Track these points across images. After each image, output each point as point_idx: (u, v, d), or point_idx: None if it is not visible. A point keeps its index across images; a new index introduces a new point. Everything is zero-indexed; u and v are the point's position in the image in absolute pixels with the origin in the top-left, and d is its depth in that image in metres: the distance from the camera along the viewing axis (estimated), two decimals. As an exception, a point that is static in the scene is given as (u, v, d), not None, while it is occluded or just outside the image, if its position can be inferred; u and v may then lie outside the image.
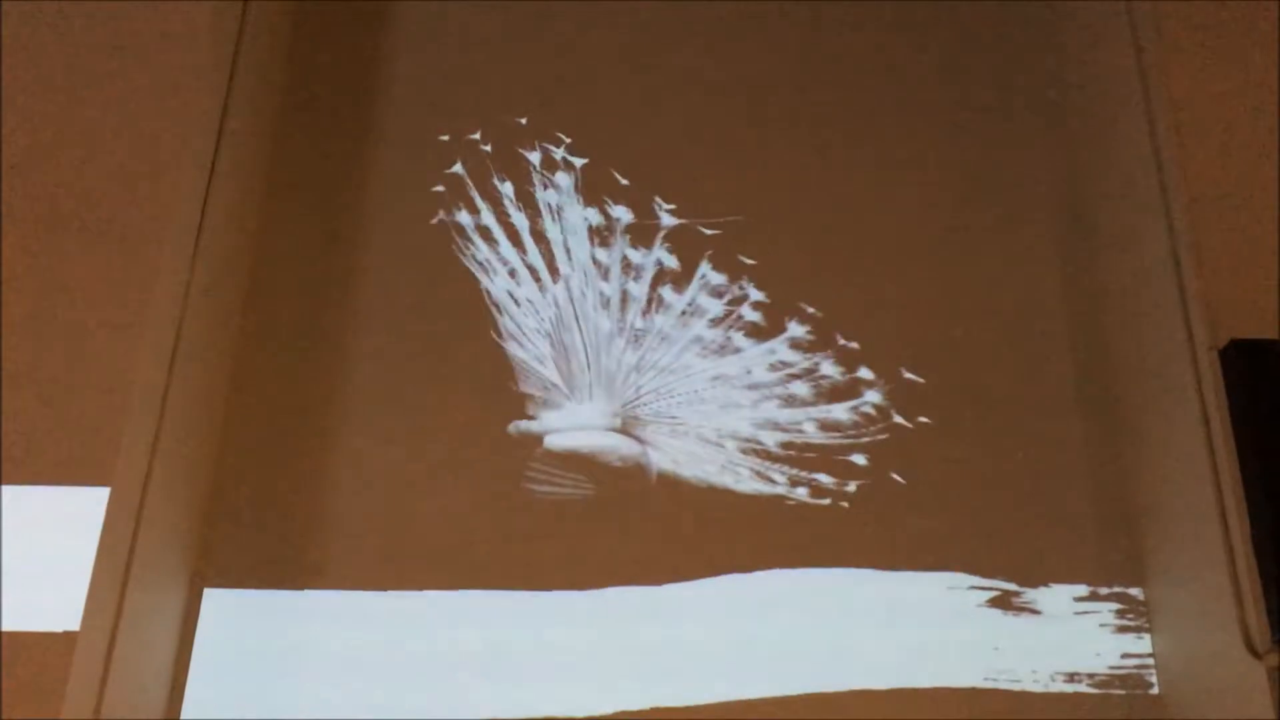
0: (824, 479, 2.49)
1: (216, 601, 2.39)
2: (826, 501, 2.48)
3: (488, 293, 2.67)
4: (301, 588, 2.41)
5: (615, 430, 2.56)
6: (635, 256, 2.69)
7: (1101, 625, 2.37)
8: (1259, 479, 2.00)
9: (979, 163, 2.80)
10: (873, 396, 2.56)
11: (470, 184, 2.76)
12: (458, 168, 2.78)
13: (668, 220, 2.72)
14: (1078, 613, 2.38)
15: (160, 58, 2.35)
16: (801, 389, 2.57)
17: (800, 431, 2.53)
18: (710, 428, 2.55)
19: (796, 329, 2.62)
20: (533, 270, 2.70)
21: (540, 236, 2.72)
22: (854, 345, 2.60)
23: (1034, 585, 2.41)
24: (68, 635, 1.90)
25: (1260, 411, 2.04)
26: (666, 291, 2.67)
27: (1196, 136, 2.28)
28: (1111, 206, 2.58)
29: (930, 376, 2.58)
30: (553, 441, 2.54)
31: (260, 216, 2.72)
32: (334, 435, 2.54)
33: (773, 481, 2.50)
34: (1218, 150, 2.27)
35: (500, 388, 2.59)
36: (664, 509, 2.49)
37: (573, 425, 2.56)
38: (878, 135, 2.84)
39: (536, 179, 2.77)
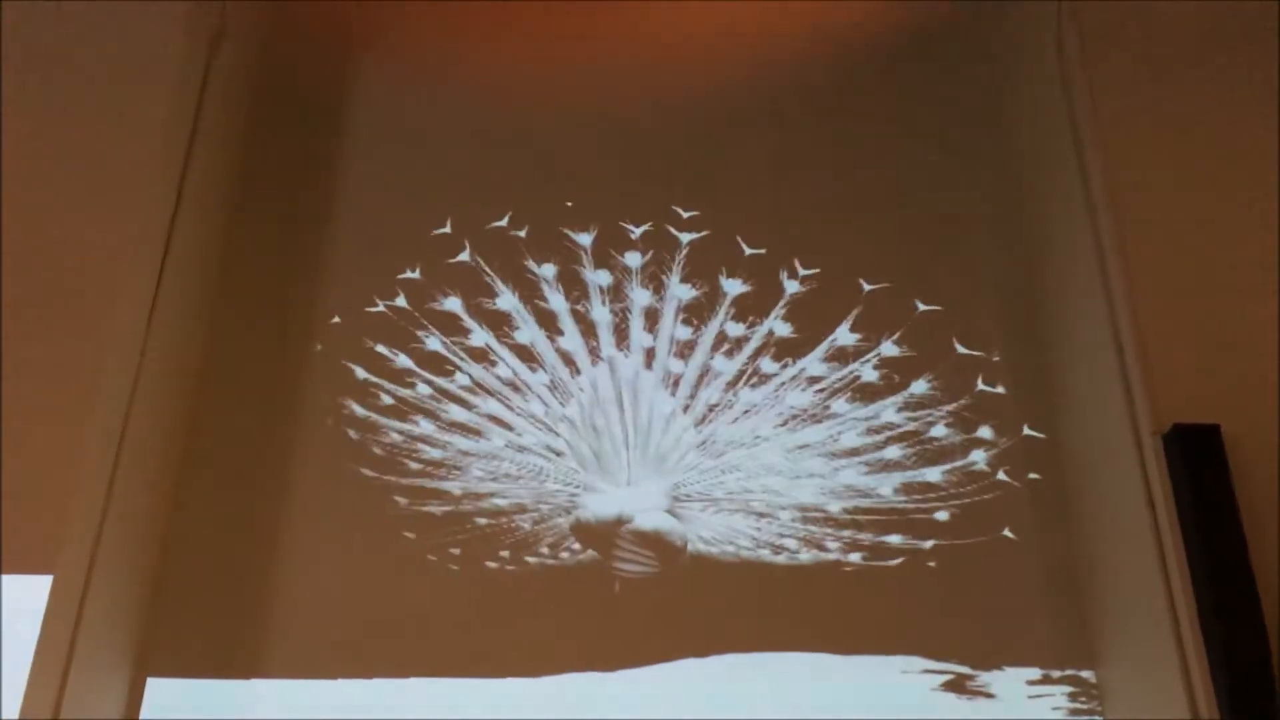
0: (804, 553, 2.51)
1: (160, 691, 2.34)
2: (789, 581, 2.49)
3: (465, 385, 2.67)
4: (247, 676, 2.37)
5: (659, 510, 2.56)
6: (736, 330, 2.71)
7: (1055, 709, 2.38)
8: (1203, 560, 2.02)
9: (927, 252, 2.86)
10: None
11: (487, 270, 2.77)
12: (464, 255, 2.79)
13: (793, 287, 2.73)
14: (1031, 696, 2.39)
15: (114, 148, 2.37)
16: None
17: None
18: (766, 500, 2.55)
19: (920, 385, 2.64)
20: (566, 355, 2.70)
21: (581, 319, 2.73)
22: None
23: (987, 669, 2.41)
24: (6, 726, 1.86)
25: (1203, 494, 2.07)
26: (766, 362, 2.68)
27: (1137, 227, 2.34)
28: (1055, 297, 2.64)
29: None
30: (585, 518, 2.54)
31: (212, 302, 2.72)
32: (280, 522, 2.52)
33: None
34: (1158, 239, 2.32)
35: (450, 474, 2.58)
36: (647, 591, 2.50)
37: (613, 510, 2.55)
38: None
39: (588, 260, 2.78)
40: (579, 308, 2.74)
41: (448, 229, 2.82)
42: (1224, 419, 2.12)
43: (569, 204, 2.84)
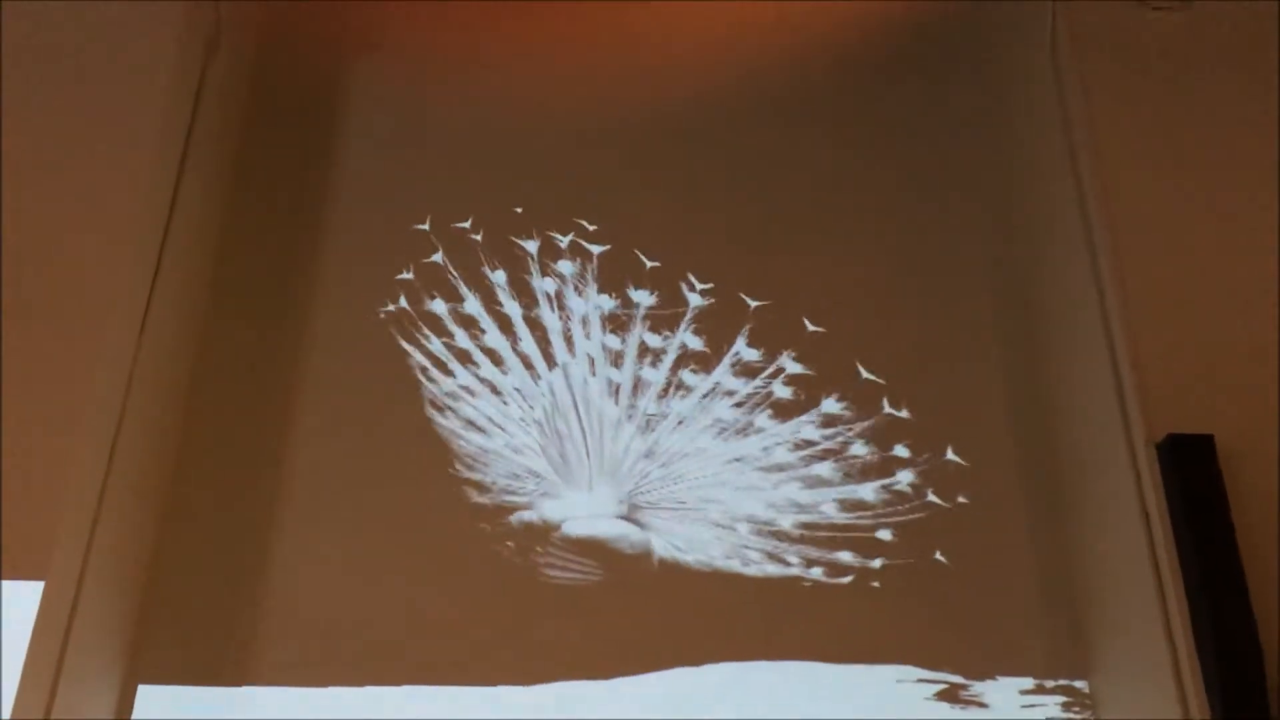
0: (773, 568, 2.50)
1: (151, 698, 2.33)
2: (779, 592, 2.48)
3: (462, 384, 2.67)
4: (239, 684, 2.36)
5: (620, 518, 2.55)
6: (655, 341, 2.71)
7: (1048, 718, 2.37)
8: (1197, 570, 2.02)
9: (919, 254, 2.86)
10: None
11: (453, 273, 2.77)
12: (437, 256, 2.79)
13: (696, 301, 2.74)
14: (1025, 706, 2.38)
15: (108, 151, 2.36)
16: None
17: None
18: (722, 511, 2.55)
19: (833, 405, 2.64)
20: (525, 358, 2.70)
21: (535, 324, 2.73)
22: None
23: (981, 679, 2.41)
24: (-5, 732, 1.85)
25: (1197, 504, 2.07)
26: (688, 374, 2.68)
27: (1132, 234, 2.34)
28: (1050, 306, 2.64)
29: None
30: (553, 523, 2.54)
31: (205, 308, 2.72)
32: (273, 529, 2.51)
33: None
34: (1153, 247, 2.33)
35: (444, 479, 2.58)
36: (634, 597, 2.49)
37: (575, 514, 2.55)
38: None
39: (534, 267, 2.79)
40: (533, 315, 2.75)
41: (468, 227, 2.83)
42: (1219, 429, 2.12)
43: (573, 206, 2.86)
